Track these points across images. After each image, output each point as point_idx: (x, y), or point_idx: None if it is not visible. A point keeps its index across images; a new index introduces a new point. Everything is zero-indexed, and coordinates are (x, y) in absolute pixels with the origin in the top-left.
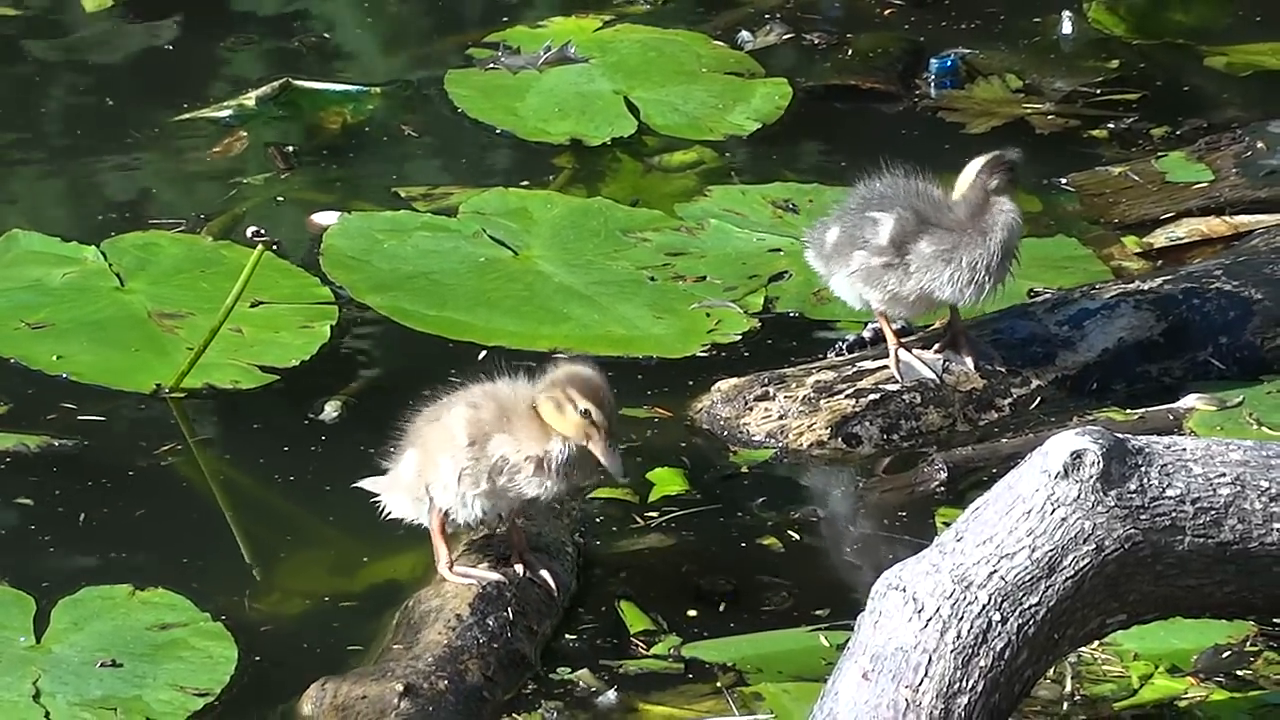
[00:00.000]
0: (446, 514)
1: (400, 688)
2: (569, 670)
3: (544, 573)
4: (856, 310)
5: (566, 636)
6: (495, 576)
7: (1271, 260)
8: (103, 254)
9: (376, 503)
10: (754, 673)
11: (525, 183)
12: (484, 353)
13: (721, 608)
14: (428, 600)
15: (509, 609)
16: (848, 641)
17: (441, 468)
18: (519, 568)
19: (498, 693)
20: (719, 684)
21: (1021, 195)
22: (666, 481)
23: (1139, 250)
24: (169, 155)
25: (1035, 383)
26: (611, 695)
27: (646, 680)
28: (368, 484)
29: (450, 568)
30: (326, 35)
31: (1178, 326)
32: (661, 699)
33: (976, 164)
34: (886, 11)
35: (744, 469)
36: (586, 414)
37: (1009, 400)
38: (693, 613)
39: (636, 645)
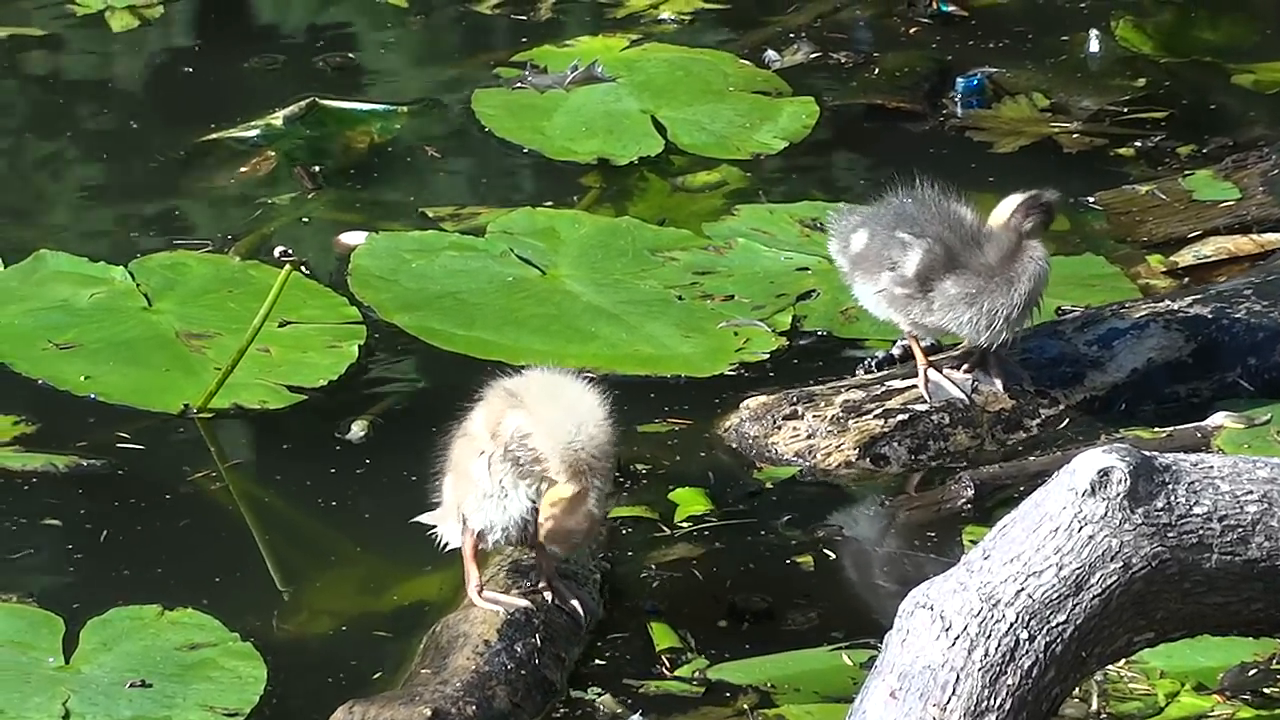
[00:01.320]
0: (481, 536)
1: (429, 712)
2: (595, 692)
3: (574, 601)
4: (879, 320)
5: (593, 660)
6: (523, 603)
7: None
8: (130, 274)
9: (405, 524)
10: (779, 694)
11: (552, 202)
12: None
13: (751, 625)
14: (455, 625)
15: (537, 635)
16: (874, 660)
17: (474, 475)
18: (547, 595)
19: (524, 718)
20: (743, 705)
21: None
22: (689, 502)
23: (1165, 269)
24: (196, 175)
25: (1064, 404)
26: (638, 718)
27: (671, 703)
28: (426, 518)
29: (480, 592)
30: (351, 55)
31: (1207, 347)
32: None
33: (1013, 201)
34: (912, 30)
35: (771, 487)
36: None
37: (1037, 421)
38: (721, 630)
39: (662, 665)
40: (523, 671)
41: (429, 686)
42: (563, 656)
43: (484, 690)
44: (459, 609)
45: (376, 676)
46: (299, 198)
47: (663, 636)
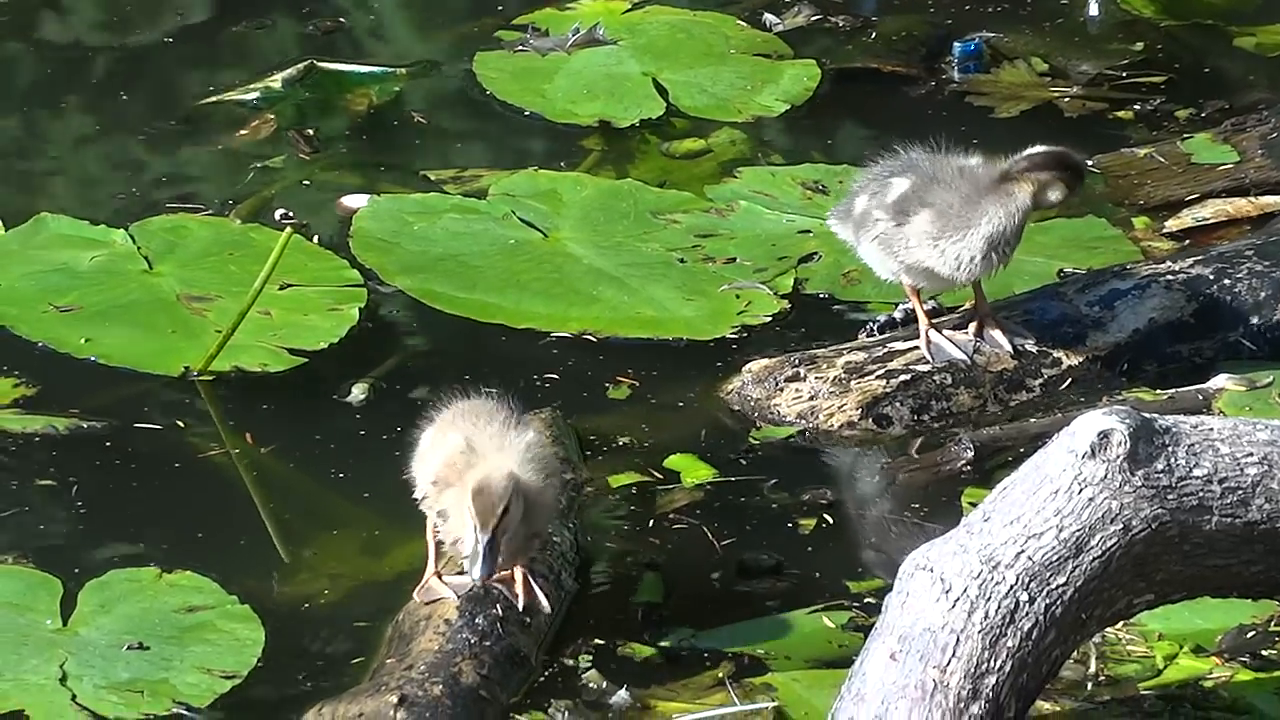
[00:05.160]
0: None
1: (395, 699)
2: (586, 660)
3: (519, 595)
4: (884, 282)
5: (576, 625)
6: (465, 581)
7: None
8: (131, 237)
9: (405, 486)
10: (767, 660)
11: (553, 165)
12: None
13: (751, 585)
14: (416, 611)
15: (497, 605)
16: (853, 622)
17: (418, 472)
18: (515, 586)
19: (499, 691)
20: (720, 674)
21: None
22: (689, 469)
23: (1154, 230)
24: (196, 138)
25: (1066, 363)
26: (624, 694)
27: (656, 672)
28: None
29: (439, 579)
30: (342, 20)
31: (1208, 307)
32: (671, 692)
33: (1030, 151)
34: None
35: (773, 448)
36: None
37: (1040, 381)
38: (716, 590)
39: (646, 633)
40: (487, 643)
41: (394, 674)
42: (528, 622)
43: (449, 668)
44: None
45: (377, 636)
46: (298, 161)
47: (649, 590)
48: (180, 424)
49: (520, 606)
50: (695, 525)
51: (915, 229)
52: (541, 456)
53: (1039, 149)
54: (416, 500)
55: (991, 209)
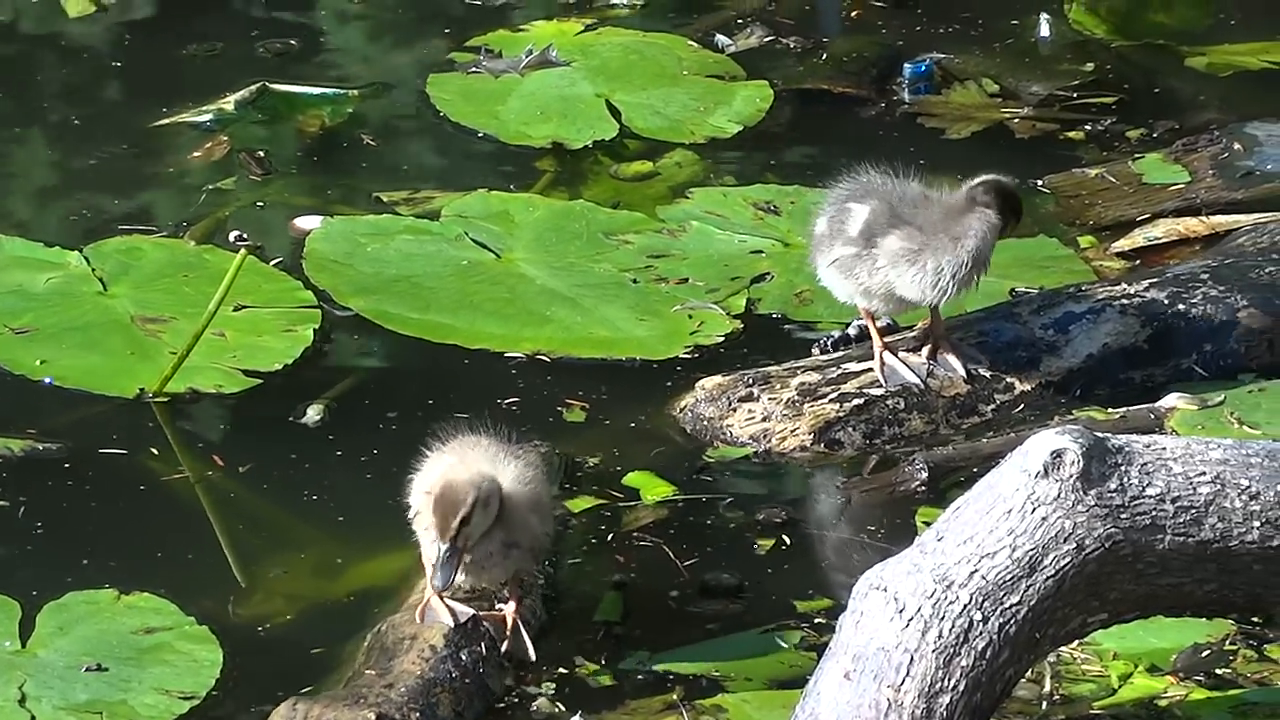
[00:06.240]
0: None
1: (373, 716)
2: (548, 687)
3: (515, 640)
4: (842, 304)
5: (534, 650)
6: (468, 612)
7: (1257, 263)
8: (85, 259)
9: (361, 507)
10: (722, 681)
11: (505, 186)
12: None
13: (706, 607)
14: (401, 626)
15: (483, 644)
16: (805, 640)
17: (414, 492)
18: (507, 615)
19: None
20: (674, 697)
21: None
22: (648, 486)
23: (1106, 249)
24: (150, 160)
25: (1019, 388)
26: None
27: (611, 695)
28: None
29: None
30: (294, 42)
31: (1163, 333)
32: (626, 715)
33: (974, 180)
34: (854, 14)
35: (728, 468)
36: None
37: (992, 406)
38: (671, 611)
39: (602, 655)
40: (467, 680)
41: (373, 689)
42: (506, 665)
43: (428, 697)
44: (403, 609)
45: (334, 655)
46: (251, 182)
47: (607, 610)
48: (136, 446)
49: (504, 649)
50: (655, 545)
51: (886, 250)
52: (531, 479)
53: (986, 184)
54: (410, 520)
55: (973, 226)
